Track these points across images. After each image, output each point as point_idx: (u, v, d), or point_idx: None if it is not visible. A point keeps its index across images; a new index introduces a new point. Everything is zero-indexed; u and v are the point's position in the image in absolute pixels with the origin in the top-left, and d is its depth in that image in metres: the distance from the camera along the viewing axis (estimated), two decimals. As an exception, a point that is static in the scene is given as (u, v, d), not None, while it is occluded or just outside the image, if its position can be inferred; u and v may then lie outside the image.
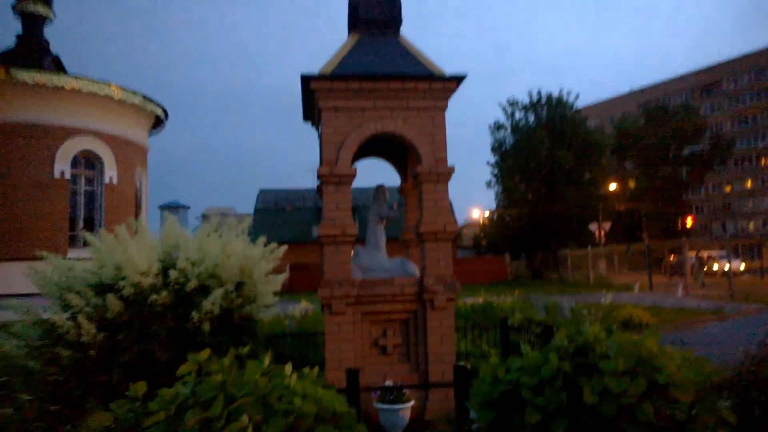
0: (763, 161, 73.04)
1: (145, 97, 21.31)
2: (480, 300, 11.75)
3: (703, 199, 73.80)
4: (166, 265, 5.13)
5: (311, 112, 6.33)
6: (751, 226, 72.60)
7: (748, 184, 74.64)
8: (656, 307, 15.64)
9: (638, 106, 56.14)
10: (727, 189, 75.82)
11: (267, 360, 2.50)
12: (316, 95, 5.34)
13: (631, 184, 49.47)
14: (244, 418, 2.09)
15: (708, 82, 78.09)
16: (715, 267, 32.68)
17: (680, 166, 50.31)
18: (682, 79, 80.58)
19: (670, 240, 31.62)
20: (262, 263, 5.86)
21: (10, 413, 4.09)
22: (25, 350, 4.82)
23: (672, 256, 27.43)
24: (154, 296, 4.81)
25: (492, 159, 44.66)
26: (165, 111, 23.09)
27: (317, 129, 6.02)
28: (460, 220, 54.96)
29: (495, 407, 2.94)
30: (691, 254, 28.45)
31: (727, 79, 76.48)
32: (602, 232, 34.50)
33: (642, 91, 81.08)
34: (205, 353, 2.48)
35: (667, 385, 2.56)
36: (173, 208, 66.24)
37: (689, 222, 40.83)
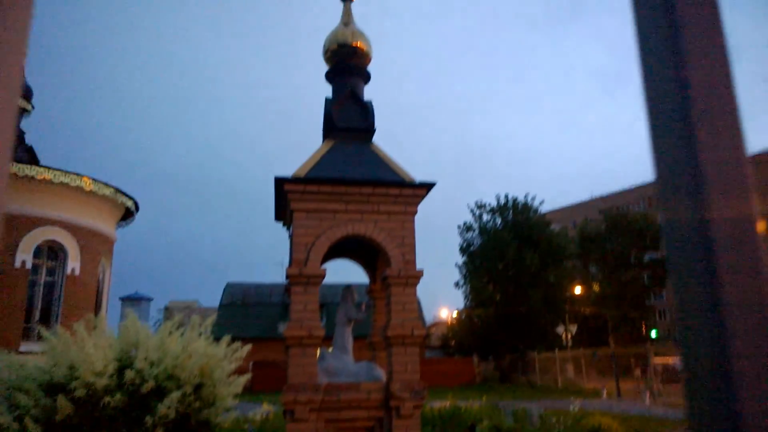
0: None
1: (117, 190, 21.32)
2: (447, 404, 11.46)
3: (666, 304, 75.19)
4: (123, 365, 4.94)
5: (283, 213, 6.46)
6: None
7: None
8: (624, 416, 15.42)
9: (599, 212, 58.41)
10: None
11: None
12: (289, 197, 5.49)
13: (596, 287, 50.34)
14: None
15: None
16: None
17: (642, 271, 51.67)
18: (641, 188, 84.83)
19: (636, 345, 31.77)
20: (225, 363, 5.70)
21: None
22: (-39, 455, 4.47)
23: (637, 368, 27.54)
24: (107, 398, 4.59)
25: (460, 259, 45.28)
26: (136, 203, 23.07)
27: (288, 229, 6.12)
28: (429, 318, 54.49)
29: None
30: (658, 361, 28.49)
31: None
32: (569, 335, 34.55)
33: (603, 199, 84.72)
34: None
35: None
36: (135, 300, 64.04)
37: (654, 333, 41.29)
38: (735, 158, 0.61)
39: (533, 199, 44.37)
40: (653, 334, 39.89)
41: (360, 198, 5.57)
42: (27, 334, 17.80)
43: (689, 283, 0.59)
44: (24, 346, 16.43)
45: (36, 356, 5.05)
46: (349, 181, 5.56)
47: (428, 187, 5.78)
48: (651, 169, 0.66)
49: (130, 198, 22.38)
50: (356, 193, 5.55)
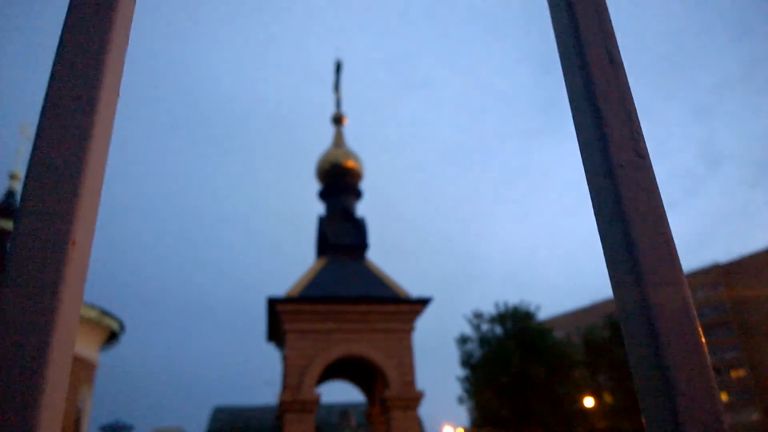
0: (732, 374, 73.13)
1: (102, 311, 20.92)
2: None
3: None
4: None
5: (276, 333, 6.28)
6: (735, 442, 69.75)
7: (724, 397, 73.56)
8: None
9: (602, 317, 57.44)
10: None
11: None
12: (282, 317, 5.35)
13: (608, 398, 48.27)
14: None
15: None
16: None
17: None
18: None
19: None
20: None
21: None
22: None
23: None
24: None
25: (461, 373, 43.71)
26: (122, 324, 22.55)
27: (281, 349, 5.90)
28: (433, 439, 51.52)
29: None
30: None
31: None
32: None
33: (604, 303, 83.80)
34: None
35: None
36: (116, 428, 60.61)
37: None
38: (666, 244, 0.68)
39: (529, 304, 43.82)
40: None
41: (355, 316, 5.43)
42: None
43: (641, 365, 0.65)
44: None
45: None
46: (344, 299, 5.46)
47: (424, 302, 5.67)
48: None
49: (116, 319, 21.89)
50: (351, 311, 5.42)
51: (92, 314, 20.45)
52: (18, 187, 24.10)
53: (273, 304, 5.23)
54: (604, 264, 0.70)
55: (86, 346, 21.06)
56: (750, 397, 69.12)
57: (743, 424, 69.72)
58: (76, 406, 20.48)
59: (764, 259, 69.95)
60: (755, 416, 68.43)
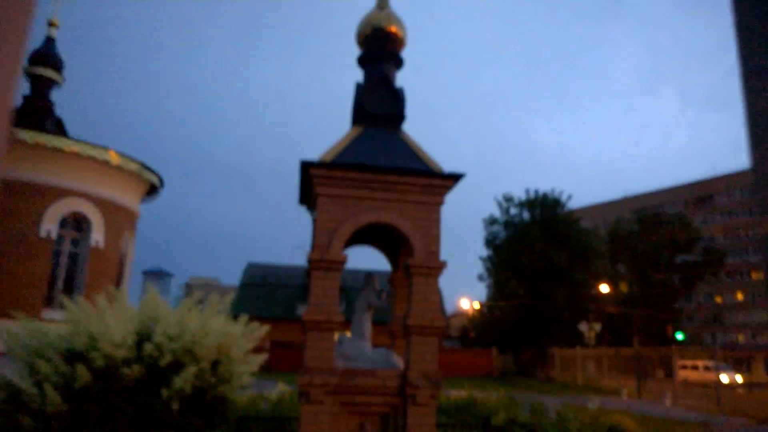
0: (753, 275, 73.56)
1: (142, 165, 21.62)
2: (464, 395, 11.41)
3: (693, 307, 73.60)
4: (142, 338, 5.01)
5: (307, 197, 6.43)
6: (741, 338, 71.97)
7: (739, 296, 74.74)
8: (644, 416, 15.17)
9: (632, 212, 57.12)
10: (718, 300, 75.81)
11: None
12: (314, 181, 5.45)
13: (623, 287, 49.49)
14: None
15: (702, 194, 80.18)
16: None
17: (672, 273, 50.59)
18: (677, 189, 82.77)
19: (660, 347, 31.19)
20: (242, 342, 5.74)
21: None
22: (-17, 415, 4.59)
23: (660, 369, 26.99)
24: (125, 370, 4.66)
25: (484, 252, 44.93)
26: (161, 179, 23.39)
27: (312, 213, 6.10)
28: (449, 309, 54.38)
29: None
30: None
31: (720, 193, 78.60)
32: (592, 334, 34.11)
33: (636, 198, 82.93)
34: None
35: None
36: (157, 274, 65.35)
37: (680, 335, 40.30)
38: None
39: (560, 193, 43.62)
40: (679, 336, 39.02)
41: (386, 186, 5.50)
42: (50, 302, 18.27)
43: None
44: (46, 314, 16.86)
45: (57, 324, 5.14)
46: (376, 168, 5.49)
47: (456, 178, 5.68)
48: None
49: (155, 174, 22.68)
50: (382, 181, 5.48)
51: (133, 167, 21.19)
52: (56, 34, 23.81)
53: (306, 168, 5.33)
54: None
55: (128, 197, 22.09)
56: (764, 299, 70.04)
57: (753, 321, 71.34)
58: (120, 252, 21.97)
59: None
60: (766, 316, 69.76)
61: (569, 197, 43.84)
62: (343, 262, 5.33)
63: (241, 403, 7.77)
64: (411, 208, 5.52)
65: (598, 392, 22.36)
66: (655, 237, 49.42)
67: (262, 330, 6.05)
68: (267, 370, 27.20)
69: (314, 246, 5.34)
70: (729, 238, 75.01)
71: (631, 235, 50.88)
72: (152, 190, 23.94)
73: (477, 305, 47.85)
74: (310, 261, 5.29)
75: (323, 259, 5.25)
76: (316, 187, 5.42)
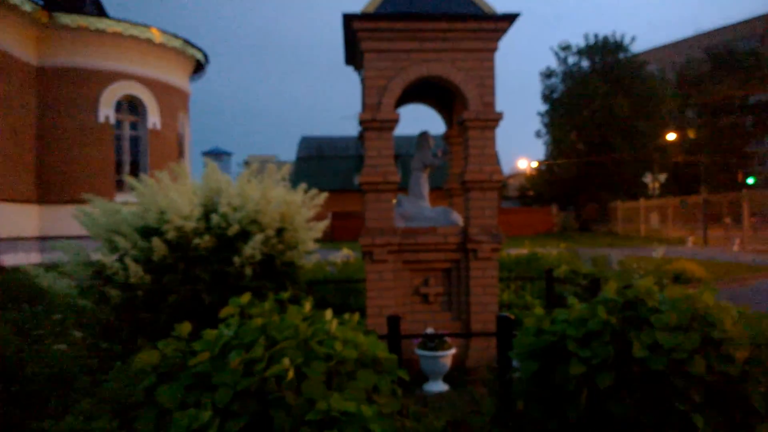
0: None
1: (185, 41, 21.28)
2: (524, 251, 11.55)
3: (767, 151, 69.80)
4: (208, 210, 5.17)
5: (353, 55, 6.13)
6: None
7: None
8: (710, 262, 15.05)
9: (703, 51, 52.54)
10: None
11: (308, 305, 2.50)
12: (358, 36, 5.13)
13: (691, 134, 47.07)
14: (286, 361, 2.08)
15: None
16: None
17: (746, 115, 47.42)
18: (752, 22, 74.77)
19: (729, 193, 30.13)
20: (303, 210, 5.85)
21: (65, 349, 4.28)
22: (76, 290, 4.99)
23: (728, 216, 26.10)
24: (197, 240, 4.86)
25: (542, 108, 43.22)
26: (205, 55, 23.08)
27: (359, 73, 5.83)
28: (506, 170, 53.95)
29: (539, 358, 2.86)
30: None
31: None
32: (657, 184, 33.22)
33: (707, 35, 75.80)
34: (246, 297, 2.50)
35: (721, 340, 2.41)
36: (215, 154, 67.03)
37: (751, 180, 38.33)
38: None
39: (622, 36, 40.32)
40: (750, 180, 37.39)
41: (435, 35, 5.11)
42: (120, 187, 19.23)
43: None
44: (119, 197, 17.81)
45: (130, 206, 5.36)
46: (424, 15, 5.08)
47: (511, 19, 5.20)
48: None
49: (199, 49, 22.36)
50: (431, 29, 5.09)
51: (176, 44, 20.93)
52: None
53: (349, 22, 4.99)
54: None
55: (176, 75, 22.08)
56: None
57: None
58: (177, 132, 22.46)
59: None
60: None
61: (633, 39, 40.58)
62: (395, 120, 5.15)
63: (308, 268, 8.15)
64: (463, 57, 5.16)
65: (663, 243, 22.19)
66: (728, 77, 45.74)
67: (321, 197, 6.11)
68: (330, 240, 28.48)
69: (365, 106, 5.16)
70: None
71: (701, 76, 47.28)
72: (198, 68, 23.82)
73: (535, 164, 47.10)
74: (361, 122, 5.14)
75: (375, 119, 5.09)
76: (361, 43, 5.11)
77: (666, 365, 2.39)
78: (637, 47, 41.04)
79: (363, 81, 5.31)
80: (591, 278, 6.28)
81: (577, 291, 6.40)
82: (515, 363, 3.01)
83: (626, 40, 40.30)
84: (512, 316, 3.95)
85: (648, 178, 33.55)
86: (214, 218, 5.02)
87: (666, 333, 2.46)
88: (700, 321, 2.51)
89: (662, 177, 33.70)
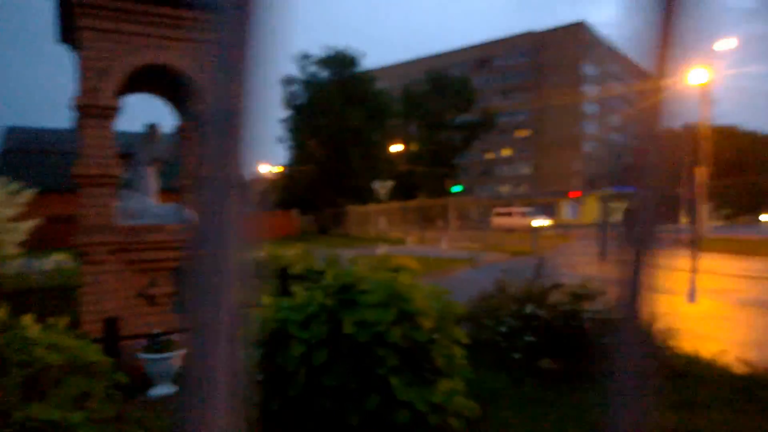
0: (516, 133, 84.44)
1: None
2: (263, 252, 11.73)
3: (468, 163, 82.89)
4: None
5: (69, 32, 5.46)
6: (506, 189, 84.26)
7: (508, 152, 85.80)
8: (423, 257, 17.35)
9: (424, 73, 60.34)
10: (490, 155, 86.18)
11: (1, 312, 2.19)
12: (75, 12, 4.60)
13: (413, 147, 53.54)
14: (-29, 375, 1.78)
15: (482, 57, 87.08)
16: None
17: (455, 132, 55.85)
18: (462, 51, 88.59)
19: (440, 199, 35.11)
20: (2, 209, 5.00)
21: None
22: None
23: (439, 219, 30.75)
24: None
25: (284, 113, 44.34)
26: None
27: (76, 52, 5.22)
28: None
29: (264, 345, 2.97)
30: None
31: (499, 55, 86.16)
32: (384, 191, 36.89)
33: (428, 59, 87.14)
34: None
35: (413, 313, 2.83)
36: None
37: (457, 188, 45.49)
38: None
39: (354, 51, 44.08)
40: (456, 189, 44.14)
41: (164, 20, 4.88)
42: None
43: None
44: None
45: None
46: (149, -1, 4.81)
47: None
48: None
49: None
50: (158, 14, 4.84)
51: None
52: None
53: (63, -6, 4.42)
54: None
55: None
56: (526, 154, 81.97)
57: (517, 174, 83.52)
58: None
59: (569, 32, 76.75)
60: (527, 169, 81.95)
61: (363, 55, 44.53)
62: (116, 108, 4.75)
63: (10, 277, 6.99)
64: (193, 46, 5.03)
65: (387, 242, 24.74)
66: (441, 98, 53.40)
67: (26, 194, 5.30)
68: (46, 248, 24.62)
69: (82, 90, 4.65)
70: (502, 99, 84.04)
71: (421, 95, 54.20)
72: None
73: (278, 169, 48.01)
74: (78, 107, 4.62)
75: (93, 105, 4.62)
76: (79, 19, 4.59)
77: (370, 337, 2.71)
78: (370, 64, 45.08)
79: (80, 62, 4.78)
80: (322, 273, 6.70)
81: (309, 286, 6.75)
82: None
83: (356, 54, 43.95)
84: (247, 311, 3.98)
85: (377, 185, 37.05)
86: None
87: (370, 310, 2.79)
88: (397, 298, 2.91)
89: (389, 184, 37.56)
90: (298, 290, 3.10)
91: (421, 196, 33.68)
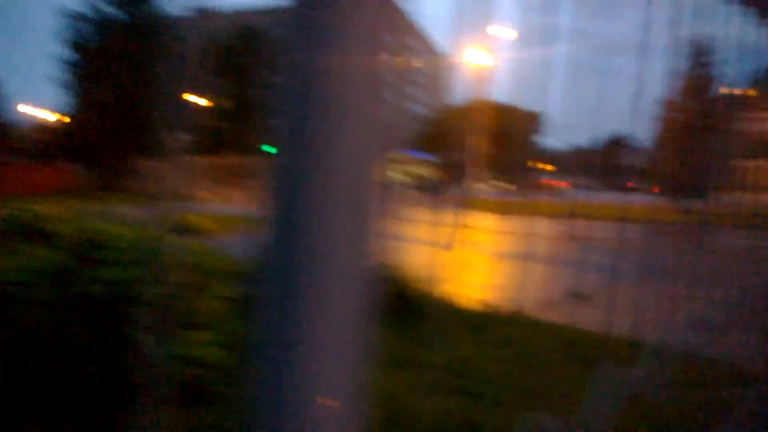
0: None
1: None
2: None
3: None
4: None
5: None
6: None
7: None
8: (216, 216, 16.80)
9: (238, 27, 57.24)
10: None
11: None
12: None
13: (223, 102, 51.01)
14: None
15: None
16: None
17: (267, 92, 54.68)
18: (276, 10, 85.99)
19: (243, 157, 34.13)
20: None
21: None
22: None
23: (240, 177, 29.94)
24: None
25: (67, 55, 38.95)
26: None
27: None
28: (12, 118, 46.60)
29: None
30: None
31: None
32: (179, 145, 34.79)
33: (245, 13, 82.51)
34: None
35: (167, 270, 2.75)
36: None
37: (264, 146, 44.63)
38: None
39: None
40: (269, 148, 43.29)
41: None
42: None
43: None
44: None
45: None
46: None
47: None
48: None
49: None
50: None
51: None
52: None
53: None
54: None
55: None
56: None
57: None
58: None
59: None
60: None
61: (168, -1, 40.70)
62: None
63: None
64: None
65: (185, 201, 23.54)
66: (252, 55, 51.47)
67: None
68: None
69: None
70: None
71: (232, 49, 51.66)
72: None
73: (55, 116, 42.15)
74: None
75: None
76: None
77: (116, 296, 2.57)
78: (173, 8, 41.34)
79: None
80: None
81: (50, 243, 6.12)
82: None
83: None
84: None
85: (170, 138, 34.76)
86: None
87: (117, 268, 2.64)
88: (145, 253, 2.79)
89: (185, 137, 35.45)
90: (24, 249, 2.80)
91: (230, 154, 32.38)
